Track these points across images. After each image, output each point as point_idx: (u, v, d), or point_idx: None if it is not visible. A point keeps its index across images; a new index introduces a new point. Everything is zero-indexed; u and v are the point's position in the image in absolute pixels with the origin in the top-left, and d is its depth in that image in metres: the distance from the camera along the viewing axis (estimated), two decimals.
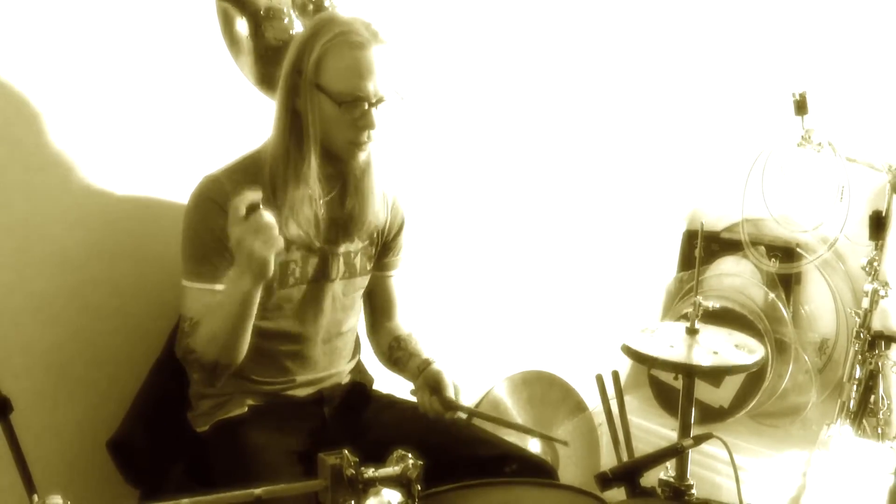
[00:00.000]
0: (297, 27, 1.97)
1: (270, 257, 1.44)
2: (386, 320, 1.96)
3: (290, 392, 1.79)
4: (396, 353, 1.89)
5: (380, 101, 1.61)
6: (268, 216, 1.41)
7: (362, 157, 1.68)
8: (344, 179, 1.74)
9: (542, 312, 2.82)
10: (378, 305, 1.95)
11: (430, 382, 1.75)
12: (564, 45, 2.65)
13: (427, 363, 1.80)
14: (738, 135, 2.96)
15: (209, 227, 1.59)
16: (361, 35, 1.58)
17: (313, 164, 1.63)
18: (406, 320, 1.98)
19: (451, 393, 1.73)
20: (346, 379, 1.91)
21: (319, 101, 1.60)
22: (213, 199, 1.60)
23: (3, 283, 1.69)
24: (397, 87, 1.64)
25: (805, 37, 2.80)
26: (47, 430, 1.79)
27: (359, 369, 1.98)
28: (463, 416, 1.77)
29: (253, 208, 1.39)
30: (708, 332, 1.63)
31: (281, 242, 1.44)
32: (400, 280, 1.96)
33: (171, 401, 1.79)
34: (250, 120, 1.89)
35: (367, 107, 1.59)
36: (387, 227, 1.86)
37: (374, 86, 1.59)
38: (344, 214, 1.75)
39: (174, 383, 1.78)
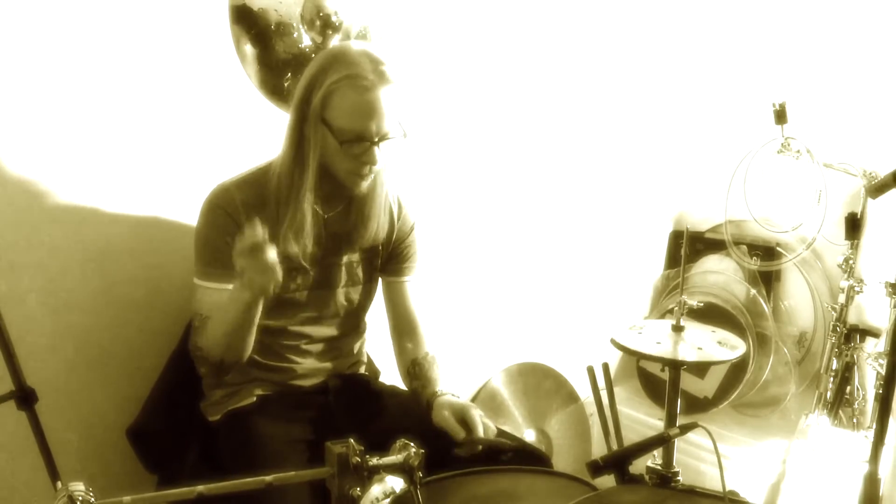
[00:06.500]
0: (306, 41, 1.97)
1: (269, 287, 1.48)
2: (407, 341, 1.86)
3: (295, 382, 1.79)
4: (413, 383, 1.81)
5: (383, 138, 1.59)
6: (271, 256, 1.42)
7: (364, 185, 1.66)
8: (349, 198, 1.73)
9: (538, 307, 2.82)
10: (399, 323, 1.88)
11: (457, 414, 1.66)
12: (557, 53, 2.64)
13: (435, 395, 1.72)
14: (722, 142, 2.96)
15: (217, 233, 1.62)
16: (368, 78, 1.55)
17: (309, 193, 1.62)
18: (430, 343, 1.86)
19: (480, 432, 1.62)
20: (349, 370, 1.89)
21: (323, 134, 1.59)
22: (223, 207, 1.63)
23: (31, 282, 1.69)
24: (402, 124, 1.61)
25: (785, 50, 2.79)
26: (70, 419, 1.79)
27: (365, 361, 1.96)
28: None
29: (257, 247, 1.40)
30: (692, 329, 1.62)
31: (279, 278, 1.46)
32: (418, 291, 1.89)
33: (186, 391, 1.80)
34: (262, 132, 1.89)
35: (369, 145, 1.58)
36: (394, 237, 1.83)
37: (377, 126, 1.57)
38: (348, 228, 1.74)
39: (189, 375, 1.78)
